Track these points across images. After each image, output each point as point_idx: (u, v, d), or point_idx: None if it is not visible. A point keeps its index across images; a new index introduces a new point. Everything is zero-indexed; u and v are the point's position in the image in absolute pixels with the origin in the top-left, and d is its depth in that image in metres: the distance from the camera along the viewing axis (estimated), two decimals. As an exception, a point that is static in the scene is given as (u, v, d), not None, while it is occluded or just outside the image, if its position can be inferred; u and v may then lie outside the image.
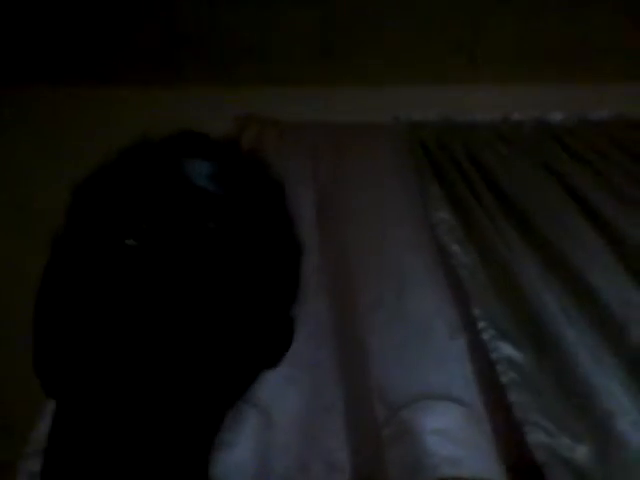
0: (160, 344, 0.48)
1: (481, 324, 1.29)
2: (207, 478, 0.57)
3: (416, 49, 1.84)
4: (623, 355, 1.24)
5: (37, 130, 1.79)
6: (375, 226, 1.45)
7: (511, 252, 1.43)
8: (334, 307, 1.34)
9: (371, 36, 1.79)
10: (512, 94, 1.87)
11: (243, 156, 0.63)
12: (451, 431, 1.06)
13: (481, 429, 1.10)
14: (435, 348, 1.21)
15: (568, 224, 1.49)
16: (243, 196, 0.56)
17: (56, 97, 1.81)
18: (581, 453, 1.11)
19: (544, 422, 1.14)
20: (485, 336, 1.27)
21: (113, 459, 0.50)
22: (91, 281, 0.49)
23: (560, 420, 1.15)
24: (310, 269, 1.39)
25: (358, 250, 1.41)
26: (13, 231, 1.58)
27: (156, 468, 0.51)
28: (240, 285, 0.52)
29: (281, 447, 1.15)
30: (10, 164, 1.72)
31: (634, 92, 1.83)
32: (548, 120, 1.81)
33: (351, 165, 1.62)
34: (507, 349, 1.25)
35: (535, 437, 1.13)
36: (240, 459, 1.05)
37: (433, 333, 1.24)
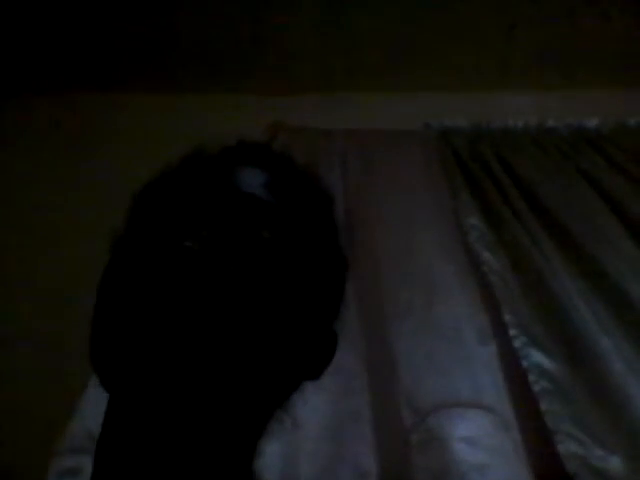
0: (210, 345, 0.49)
1: (512, 331, 1.28)
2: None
3: (448, 55, 1.84)
4: (659, 365, 1.22)
5: (55, 138, 1.82)
6: (405, 233, 1.45)
7: (544, 259, 1.42)
8: (362, 313, 1.34)
9: (400, 42, 1.80)
10: (546, 100, 1.86)
11: (296, 167, 0.65)
12: (480, 438, 1.05)
13: (510, 437, 1.09)
14: (465, 355, 1.20)
15: (604, 232, 1.47)
16: (296, 206, 0.59)
17: (84, 104, 1.85)
18: (614, 464, 1.09)
19: (576, 432, 1.12)
20: (516, 343, 1.26)
21: (163, 456, 0.52)
22: (150, 280, 0.51)
23: (593, 430, 1.13)
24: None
25: (387, 257, 1.41)
26: (15, 239, 1.61)
27: (201, 469, 0.53)
28: (289, 295, 0.54)
29: (308, 453, 1.15)
30: (16, 173, 1.74)
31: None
32: (583, 126, 1.79)
33: (381, 173, 1.62)
34: (539, 357, 1.23)
35: (566, 447, 1.11)
36: (266, 463, 1.06)
37: (463, 340, 1.23)
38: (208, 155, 0.62)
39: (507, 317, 1.30)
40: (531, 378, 1.21)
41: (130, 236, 0.58)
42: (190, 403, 0.49)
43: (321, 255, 0.59)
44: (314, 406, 1.21)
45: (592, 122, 1.79)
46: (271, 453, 1.08)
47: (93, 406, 1.08)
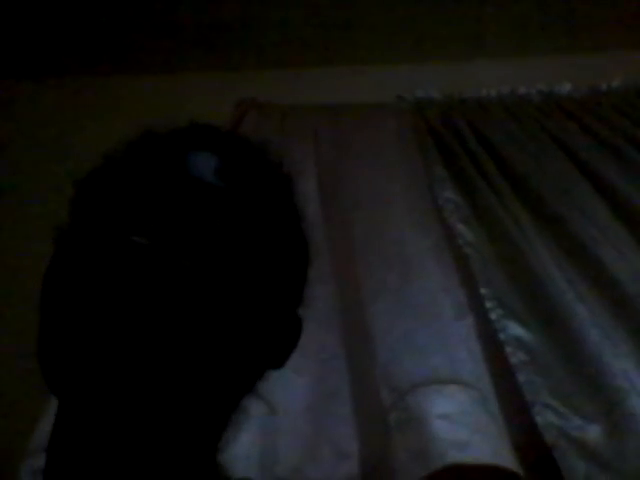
0: (166, 342, 0.47)
1: (488, 304, 1.26)
2: (214, 475, 0.57)
3: (418, 25, 1.80)
4: (635, 332, 1.21)
5: (34, 123, 1.78)
6: (379, 209, 1.42)
7: (519, 229, 1.39)
8: (339, 292, 1.32)
9: (370, 14, 1.75)
10: (518, 68, 1.83)
11: (251, 149, 0.61)
12: (458, 415, 1.04)
13: (489, 412, 1.08)
14: (441, 330, 1.19)
15: (578, 199, 1.45)
16: (250, 191, 0.55)
17: (57, 88, 1.80)
18: (592, 433, 1.08)
19: (554, 403, 1.11)
20: (493, 316, 1.24)
21: (114, 457, 0.50)
22: (96, 278, 0.47)
23: (570, 400, 1.12)
24: (314, 253, 1.37)
25: (362, 233, 1.38)
26: (16, 228, 1.57)
27: (158, 465, 0.51)
28: (247, 283, 0.51)
29: (288, 436, 1.14)
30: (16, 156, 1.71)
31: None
32: (556, 92, 1.76)
33: (354, 148, 1.59)
34: (515, 329, 1.22)
35: (544, 418, 1.10)
36: (245, 451, 1.04)
37: (439, 315, 1.21)
38: (156, 139, 0.58)
39: (483, 290, 1.28)
40: (508, 350, 1.19)
41: (74, 230, 0.54)
42: (139, 400, 0.47)
43: (278, 238, 0.56)
44: (292, 388, 1.20)
45: (564, 88, 1.76)
46: (247, 439, 1.06)
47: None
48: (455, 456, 0.97)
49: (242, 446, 1.06)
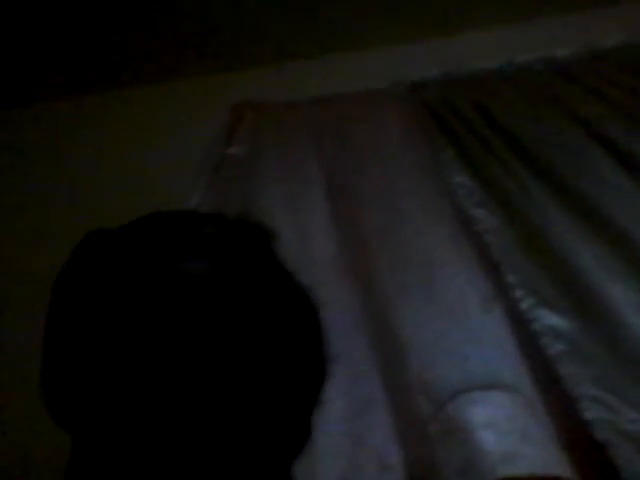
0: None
1: (517, 293, 1.14)
2: None
3: (408, 4, 1.65)
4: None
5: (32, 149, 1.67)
6: (389, 203, 1.30)
7: (537, 207, 1.26)
8: (362, 295, 1.20)
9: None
10: (513, 35, 1.68)
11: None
12: (502, 423, 0.93)
13: (534, 414, 0.96)
14: (471, 329, 1.07)
15: (593, 167, 1.31)
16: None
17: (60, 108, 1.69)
18: (649, 427, 0.97)
19: (602, 395, 1.00)
20: (523, 305, 1.12)
21: None
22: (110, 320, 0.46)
23: (619, 391, 1.00)
24: (330, 256, 1.23)
25: (376, 231, 1.26)
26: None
27: None
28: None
29: (330, 452, 1.03)
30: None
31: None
32: (556, 56, 1.61)
33: (357, 140, 1.46)
34: (550, 317, 1.10)
35: (593, 413, 0.98)
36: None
37: (467, 312, 1.09)
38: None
39: (510, 278, 1.15)
40: (544, 341, 1.07)
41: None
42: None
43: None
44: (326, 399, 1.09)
45: (564, 51, 1.61)
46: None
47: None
48: (506, 469, 0.87)
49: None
